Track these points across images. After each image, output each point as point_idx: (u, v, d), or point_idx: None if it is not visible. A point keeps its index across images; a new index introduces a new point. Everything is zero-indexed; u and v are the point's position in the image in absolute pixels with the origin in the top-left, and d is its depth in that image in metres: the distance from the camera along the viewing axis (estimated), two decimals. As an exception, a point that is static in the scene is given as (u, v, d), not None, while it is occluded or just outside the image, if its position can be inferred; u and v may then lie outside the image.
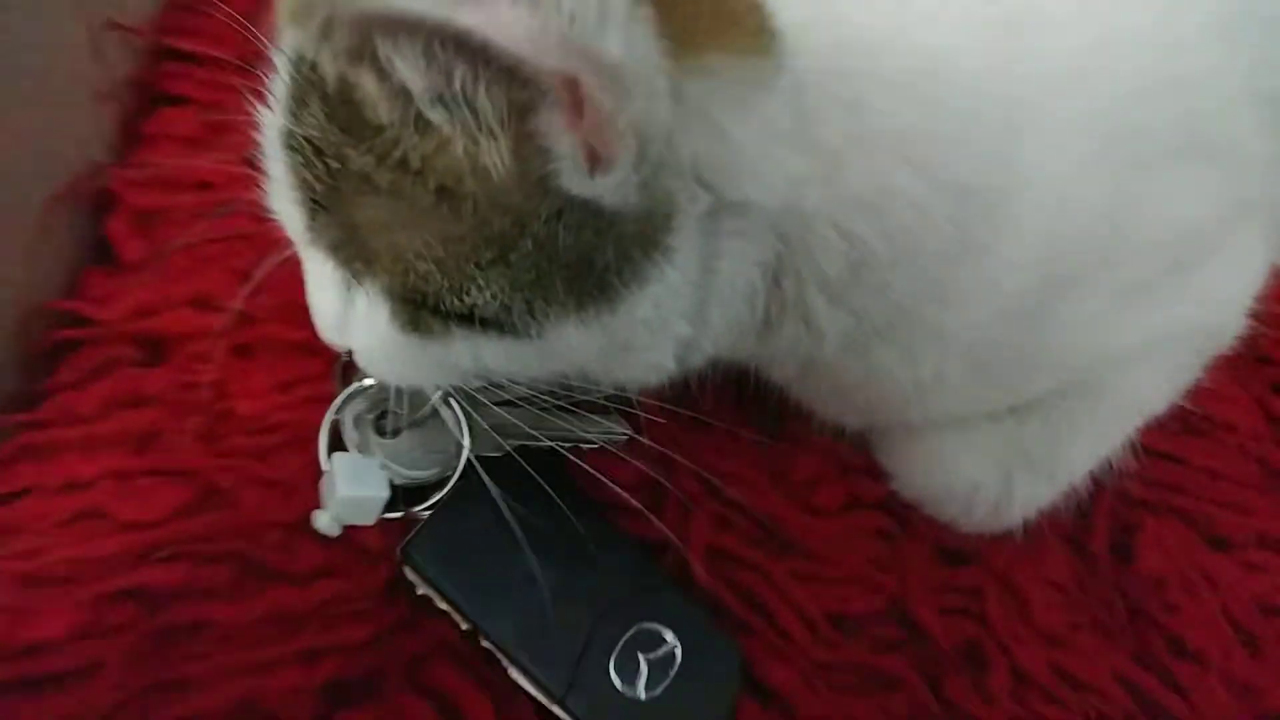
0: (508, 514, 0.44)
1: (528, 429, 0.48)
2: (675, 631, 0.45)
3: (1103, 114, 0.40)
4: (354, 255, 0.34)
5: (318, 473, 0.48)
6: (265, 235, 0.54)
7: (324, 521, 0.45)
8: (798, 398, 0.52)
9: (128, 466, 0.47)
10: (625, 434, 0.51)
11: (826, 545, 0.51)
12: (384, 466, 0.48)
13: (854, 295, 0.40)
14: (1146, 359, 0.50)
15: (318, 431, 0.49)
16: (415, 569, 0.45)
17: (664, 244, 0.34)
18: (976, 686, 0.49)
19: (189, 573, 0.45)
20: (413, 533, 0.47)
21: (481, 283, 0.33)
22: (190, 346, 0.52)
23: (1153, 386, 0.51)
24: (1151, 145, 0.41)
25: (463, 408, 0.49)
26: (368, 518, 0.47)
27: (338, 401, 0.50)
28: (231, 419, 0.50)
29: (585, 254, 0.33)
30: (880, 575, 0.51)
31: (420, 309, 0.35)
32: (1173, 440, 0.56)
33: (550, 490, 0.47)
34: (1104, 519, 0.54)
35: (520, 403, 0.48)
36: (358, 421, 0.50)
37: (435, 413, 0.50)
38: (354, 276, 0.35)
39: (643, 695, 0.44)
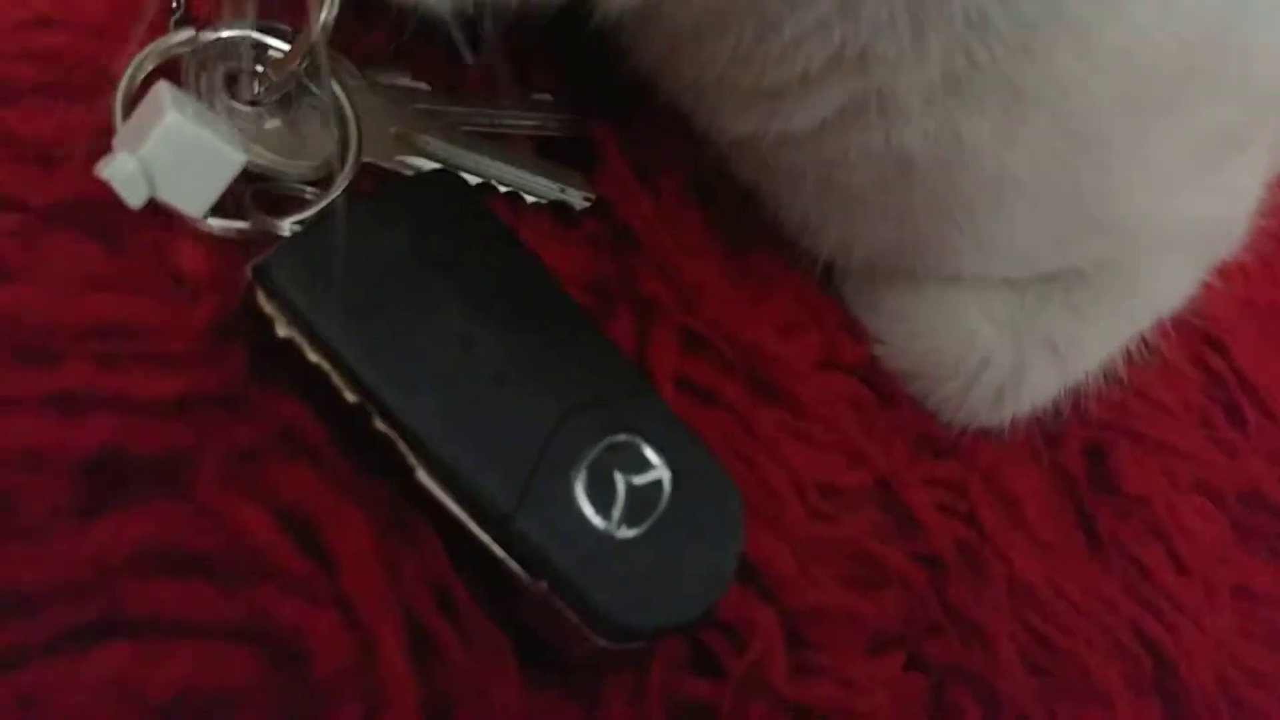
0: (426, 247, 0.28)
1: (446, 145, 0.32)
2: (661, 454, 0.30)
3: None
4: None
5: (101, 143, 0.29)
6: None
7: (123, 168, 0.27)
8: (779, 207, 0.39)
9: None
10: (587, 199, 0.36)
11: (810, 399, 0.39)
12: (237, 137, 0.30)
13: None
14: (1184, 247, 0.44)
15: (110, 81, 0.30)
16: (278, 295, 0.28)
17: None
18: (976, 596, 0.39)
19: None
20: (276, 247, 0.29)
21: None
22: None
23: (1175, 282, 0.45)
24: None
25: (349, 90, 0.32)
26: (201, 191, 0.28)
27: (175, 35, 0.31)
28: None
29: None
30: (867, 447, 0.40)
31: None
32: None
33: (488, 229, 0.32)
34: (1075, 434, 0.47)
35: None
36: (199, 71, 0.31)
37: (306, 94, 0.32)
38: None
39: (618, 530, 0.29)
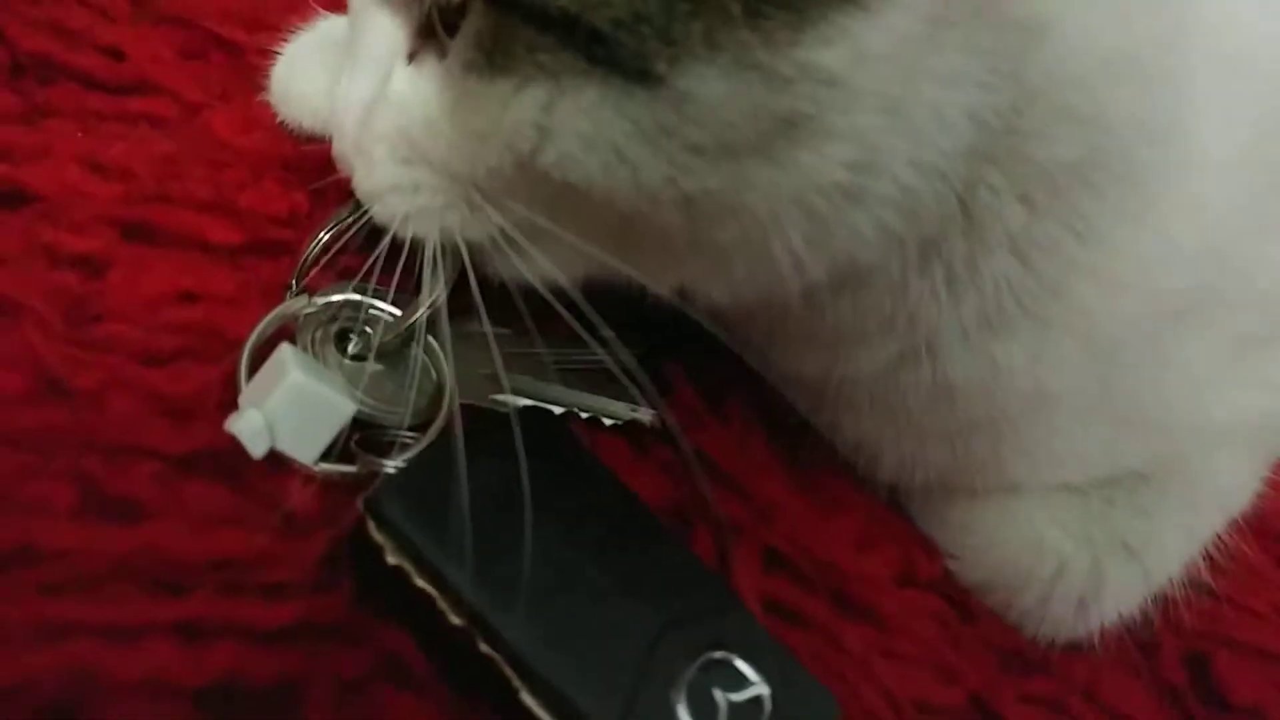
0: (525, 478, 0.30)
1: (532, 381, 0.35)
2: (758, 670, 0.31)
3: (1264, 107, 0.37)
4: None
5: (230, 396, 0.32)
6: (186, 128, 0.42)
7: (250, 425, 0.29)
8: (836, 434, 0.41)
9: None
10: (650, 415, 0.39)
11: (894, 615, 0.39)
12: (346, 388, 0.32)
13: (1045, 224, 0.33)
14: (1232, 444, 0.44)
15: (239, 345, 0.34)
16: (387, 525, 0.29)
17: None
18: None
19: (4, 462, 0.27)
20: (384, 480, 0.31)
21: None
22: (62, 217, 0.36)
23: (1236, 478, 0.45)
24: None
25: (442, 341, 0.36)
26: (314, 440, 0.31)
27: (292, 303, 0.35)
28: (109, 315, 0.33)
29: None
30: (956, 662, 0.39)
31: (507, 24, 0.27)
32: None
33: (577, 457, 0.34)
34: (1171, 643, 0.45)
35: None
36: (314, 334, 0.34)
37: (408, 347, 0.36)
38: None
39: (724, 751, 0.28)
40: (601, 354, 0.40)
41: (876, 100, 0.27)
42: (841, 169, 0.28)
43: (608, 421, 0.38)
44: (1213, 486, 0.44)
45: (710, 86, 0.26)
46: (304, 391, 0.30)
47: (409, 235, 0.33)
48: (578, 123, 0.27)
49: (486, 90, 0.28)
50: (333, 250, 0.36)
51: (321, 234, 0.36)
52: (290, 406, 0.30)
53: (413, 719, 0.28)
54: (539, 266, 0.31)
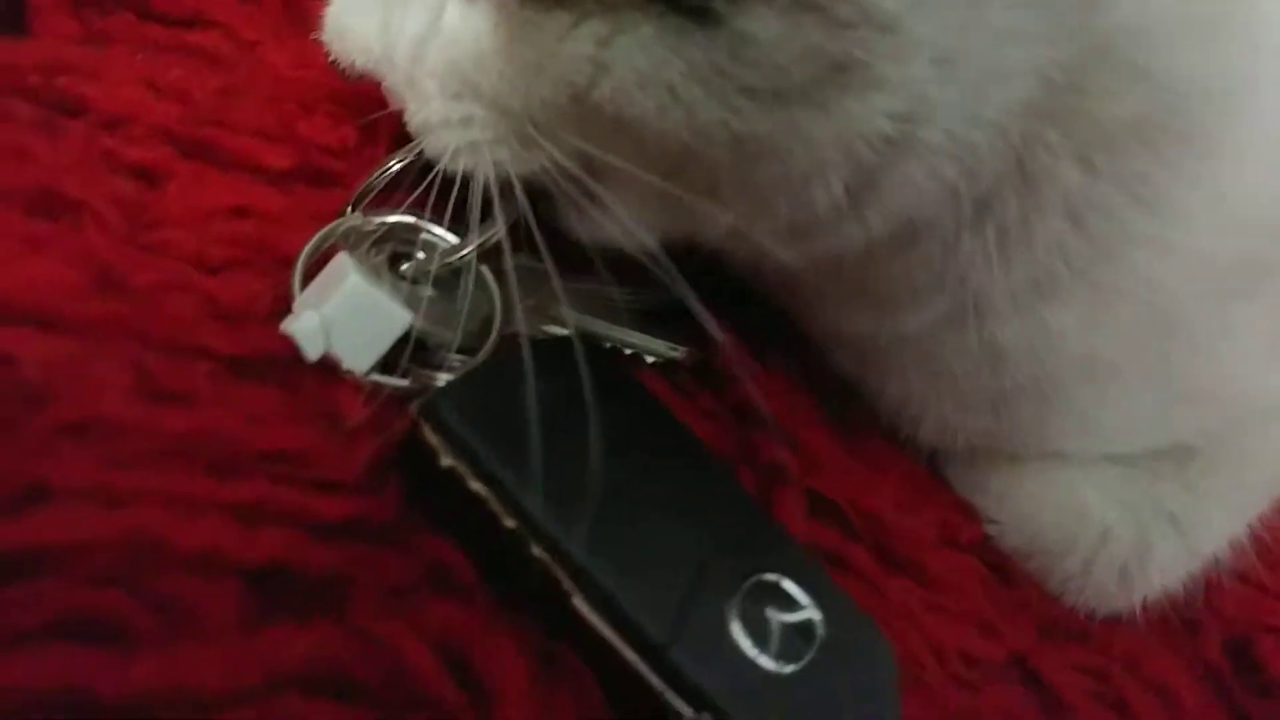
0: (589, 387, 0.29)
1: (577, 315, 0.35)
2: (810, 595, 0.30)
3: None
4: None
5: (281, 308, 0.32)
6: (240, 62, 0.42)
7: (307, 324, 0.29)
8: (880, 395, 0.41)
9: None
10: (699, 357, 0.38)
11: (938, 571, 0.38)
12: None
13: (1101, 186, 0.32)
14: (1280, 420, 0.44)
15: (290, 261, 0.33)
16: (443, 427, 0.29)
17: None
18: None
19: (67, 348, 0.27)
20: (441, 387, 0.31)
21: None
22: (120, 129, 0.36)
23: (1285, 455, 0.45)
24: None
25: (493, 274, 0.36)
26: (369, 348, 0.31)
27: (349, 219, 0.35)
28: (166, 222, 0.33)
29: None
30: (998, 622, 0.38)
31: None
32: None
33: (629, 385, 0.33)
34: (1213, 625, 0.44)
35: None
36: (368, 254, 0.34)
37: (459, 276, 0.36)
38: None
39: (775, 666, 0.28)
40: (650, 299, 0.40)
41: (931, 50, 0.27)
42: (887, 120, 0.28)
43: (649, 359, 0.38)
44: (1262, 463, 0.44)
45: (768, 27, 0.26)
46: (363, 296, 0.30)
47: (460, 170, 0.33)
48: (633, 59, 0.27)
49: (542, 23, 0.28)
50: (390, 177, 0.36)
51: (391, 162, 0.36)
52: (348, 310, 0.30)
53: (461, 626, 0.28)
54: (593, 216, 0.31)
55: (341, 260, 0.31)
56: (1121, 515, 0.41)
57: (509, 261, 0.33)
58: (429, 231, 0.36)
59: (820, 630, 0.29)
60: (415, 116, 0.33)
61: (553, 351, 0.34)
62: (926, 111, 0.28)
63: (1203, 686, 0.42)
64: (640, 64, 0.27)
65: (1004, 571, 0.42)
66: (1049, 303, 0.35)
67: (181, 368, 0.29)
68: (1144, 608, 0.42)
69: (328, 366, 0.31)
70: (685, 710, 0.26)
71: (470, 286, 0.33)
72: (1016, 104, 0.30)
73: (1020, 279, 0.34)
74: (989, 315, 0.35)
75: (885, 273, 0.35)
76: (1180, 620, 0.43)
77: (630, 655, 0.27)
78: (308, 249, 0.33)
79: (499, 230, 0.33)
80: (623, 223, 0.32)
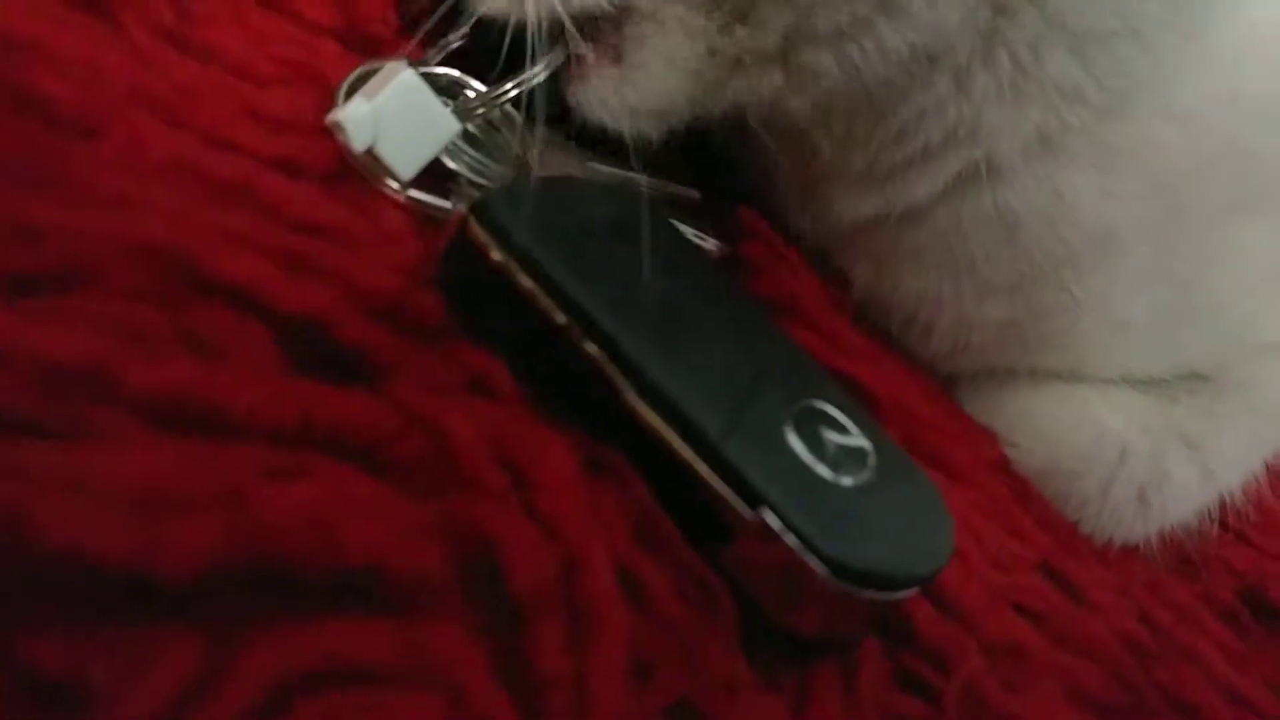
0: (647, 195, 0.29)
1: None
2: (860, 429, 0.29)
3: None
4: None
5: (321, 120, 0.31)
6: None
7: (357, 111, 0.28)
8: (892, 297, 0.41)
9: None
10: (716, 246, 0.38)
11: (968, 467, 0.37)
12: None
13: (1097, 51, 0.33)
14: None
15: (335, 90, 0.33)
16: (494, 223, 0.28)
17: None
18: (1178, 678, 0.34)
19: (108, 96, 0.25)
20: (492, 190, 0.30)
21: None
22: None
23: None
24: None
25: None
26: (415, 152, 0.30)
27: (392, 60, 0.34)
28: (213, 25, 0.32)
29: None
30: (1026, 526, 0.38)
31: None
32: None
33: (673, 230, 0.33)
34: (1223, 575, 0.44)
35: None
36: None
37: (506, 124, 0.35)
38: None
39: (832, 475, 0.27)
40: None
41: None
42: None
43: (690, 237, 0.37)
44: (1271, 396, 0.44)
45: None
46: (415, 92, 0.29)
47: (497, 14, 0.33)
48: None
49: None
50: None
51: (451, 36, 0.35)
52: (399, 106, 0.29)
53: (504, 424, 0.26)
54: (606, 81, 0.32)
55: (394, 65, 0.30)
56: (1139, 435, 0.41)
57: (541, 113, 0.33)
58: (471, 87, 0.35)
59: (872, 459, 0.28)
60: None
61: (596, 184, 0.33)
62: None
63: (1215, 618, 0.41)
64: None
65: (1024, 493, 0.41)
66: (1060, 163, 0.35)
67: (219, 159, 0.28)
68: (1160, 546, 0.42)
69: (367, 185, 0.30)
70: (743, 509, 0.25)
71: (520, 119, 0.33)
72: None
73: (1030, 129, 0.34)
74: (1003, 176, 0.35)
75: (897, 125, 0.35)
76: (1193, 560, 0.43)
77: (685, 451, 0.26)
78: (354, 75, 0.33)
79: (536, 74, 0.33)
80: (641, 87, 0.31)
